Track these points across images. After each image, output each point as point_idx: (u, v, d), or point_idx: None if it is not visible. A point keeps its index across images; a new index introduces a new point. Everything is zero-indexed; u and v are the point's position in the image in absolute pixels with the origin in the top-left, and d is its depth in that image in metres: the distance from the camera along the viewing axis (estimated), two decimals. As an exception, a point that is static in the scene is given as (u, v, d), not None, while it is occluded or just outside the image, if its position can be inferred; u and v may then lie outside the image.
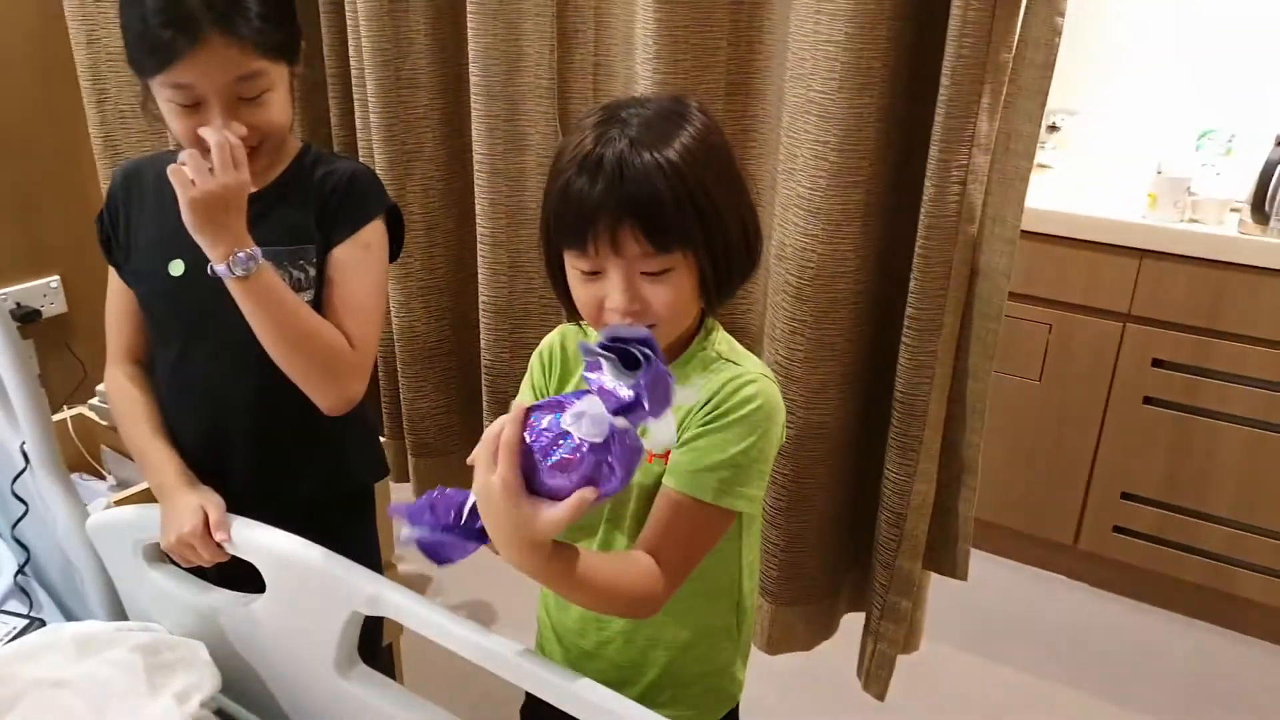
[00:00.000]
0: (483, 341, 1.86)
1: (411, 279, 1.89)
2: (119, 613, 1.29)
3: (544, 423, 0.78)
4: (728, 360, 1.03)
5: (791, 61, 1.37)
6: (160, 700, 1.08)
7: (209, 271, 1.11)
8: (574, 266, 0.96)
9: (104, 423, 1.81)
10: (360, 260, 1.23)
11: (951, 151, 1.26)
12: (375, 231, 1.25)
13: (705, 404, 0.98)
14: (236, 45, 1.09)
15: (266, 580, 1.13)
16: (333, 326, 1.19)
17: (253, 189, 1.17)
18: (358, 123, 1.86)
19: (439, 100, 1.80)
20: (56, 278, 2.23)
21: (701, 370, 1.02)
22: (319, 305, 1.22)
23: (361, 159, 1.85)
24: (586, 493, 0.76)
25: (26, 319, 2.15)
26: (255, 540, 1.12)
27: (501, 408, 1.85)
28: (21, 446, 1.25)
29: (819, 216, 1.36)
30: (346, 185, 1.25)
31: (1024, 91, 1.24)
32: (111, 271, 1.32)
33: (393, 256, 1.31)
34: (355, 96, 1.84)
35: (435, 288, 1.91)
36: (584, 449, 0.76)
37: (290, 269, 1.22)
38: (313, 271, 1.23)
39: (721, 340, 1.05)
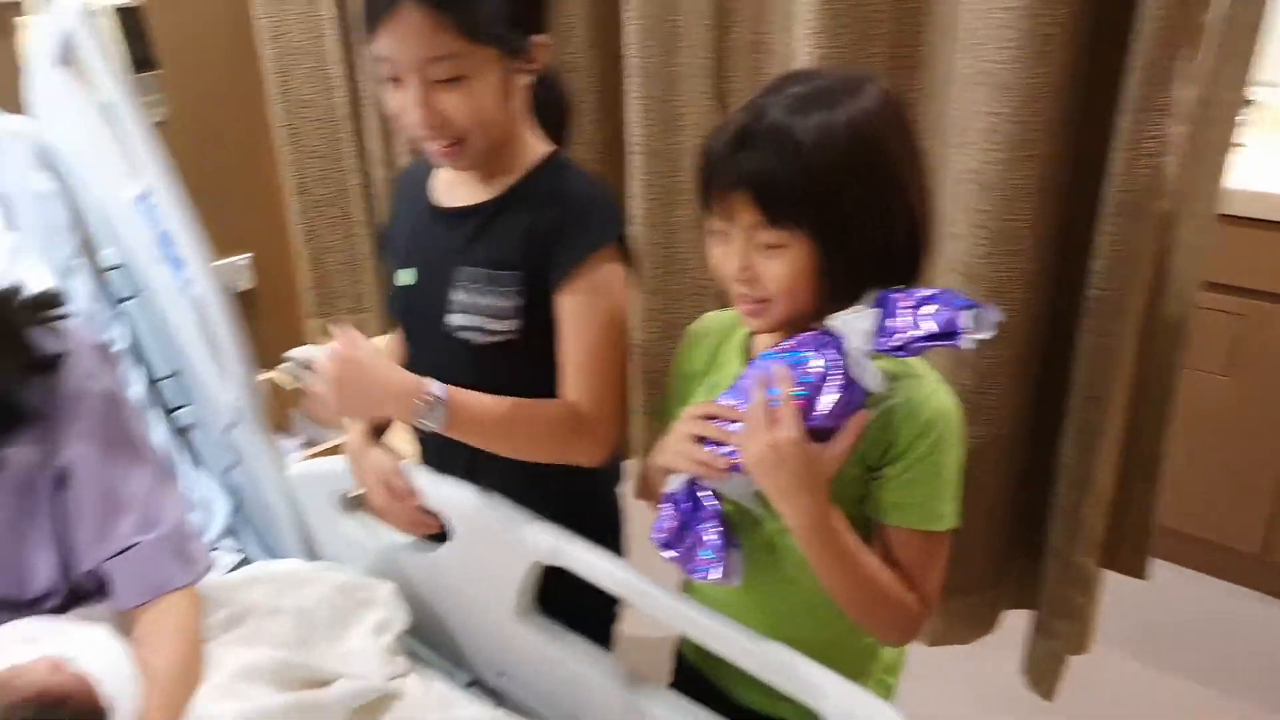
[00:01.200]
0: (635, 321, 1.88)
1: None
2: (313, 556, 1.39)
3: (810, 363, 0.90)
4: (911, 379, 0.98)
5: (962, 31, 1.31)
6: (358, 631, 1.17)
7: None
8: (705, 226, 0.98)
9: (289, 389, 1.95)
10: (588, 308, 1.08)
11: (1143, 121, 1.18)
12: (601, 269, 1.08)
13: (912, 433, 0.95)
14: (433, 20, 0.98)
15: (452, 530, 1.19)
16: (547, 404, 1.10)
17: (479, 198, 1.11)
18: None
19: (595, 84, 1.82)
20: (248, 255, 2.38)
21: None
22: (525, 336, 1.12)
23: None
24: (861, 416, 0.90)
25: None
26: (442, 492, 1.18)
27: (653, 387, 1.86)
28: (233, 401, 1.35)
29: (992, 192, 1.30)
30: (564, 212, 1.08)
31: (1226, 55, 1.15)
32: None
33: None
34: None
35: (591, 269, 1.94)
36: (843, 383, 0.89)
37: (488, 295, 1.11)
38: (518, 301, 1.10)
39: None
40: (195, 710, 0.98)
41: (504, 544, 1.13)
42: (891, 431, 0.95)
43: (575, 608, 1.14)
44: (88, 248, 1.54)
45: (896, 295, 0.89)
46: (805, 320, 0.97)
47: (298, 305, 2.41)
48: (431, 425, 1.03)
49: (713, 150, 0.93)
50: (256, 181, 2.34)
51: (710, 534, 0.95)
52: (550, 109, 1.16)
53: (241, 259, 2.38)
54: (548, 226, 1.08)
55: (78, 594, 1.08)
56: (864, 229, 0.92)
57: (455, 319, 1.13)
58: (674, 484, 0.99)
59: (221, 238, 2.29)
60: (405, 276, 1.18)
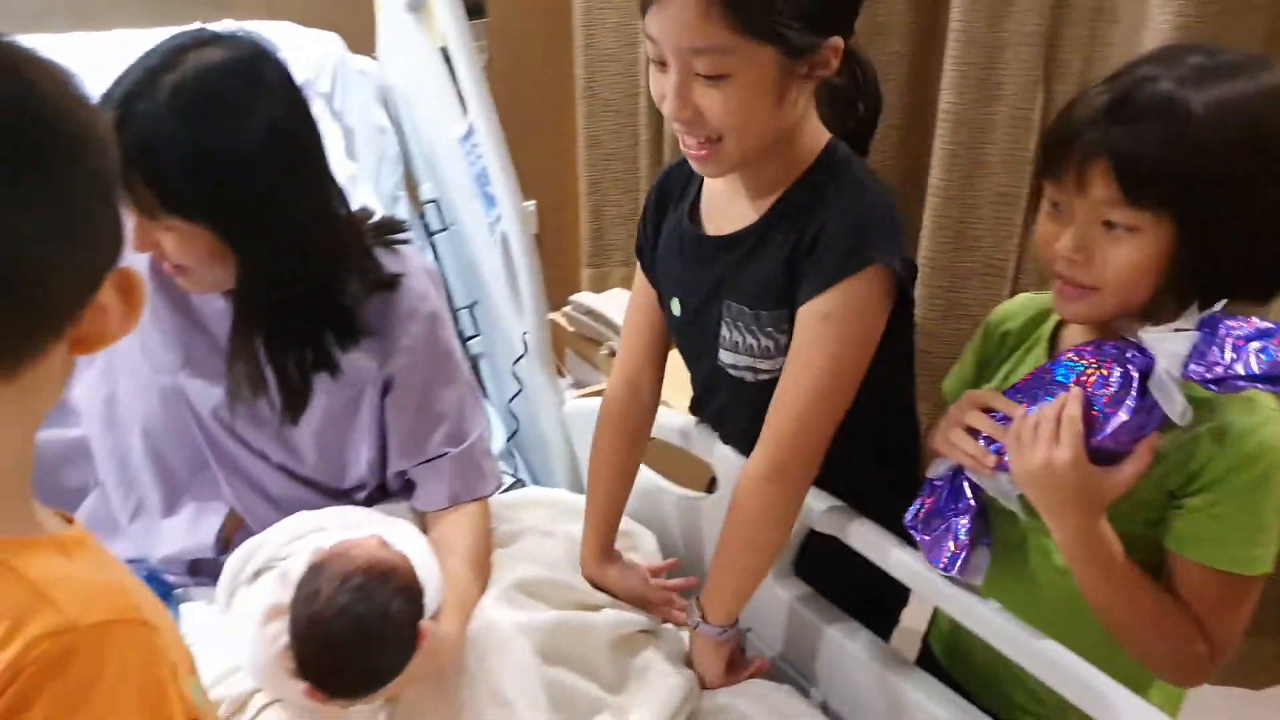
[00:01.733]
0: (915, 298, 1.81)
1: (853, 229, 1.88)
2: (579, 487, 1.44)
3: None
4: (1241, 403, 0.85)
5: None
6: None
7: None
8: (1046, 196, 0.90)
9: (570, 329, 2.04)
10: (813, 336, 0.95)
11: None
12: (845, 294, 0.93)
13: (1229, 464, 0.84)
14: (705, 6, 0.85)
15: (720, 481, 1.19)
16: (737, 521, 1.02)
17: (744, 222, 0.99)
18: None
19: (908, 46, 1.74)
20: (534, 203, 2.50)
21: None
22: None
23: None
24: (1153, 439, 0.82)
25: (507, 237, 2.45)
26: (715, 449, 1.18)
27: (927, 369, 1.78)
28: (523, 335, 1.43)
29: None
30: (825, 227, 0.94)
31: None
32: (639, 275, 1.16)
33: (896, 317, 0.98)
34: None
35: (875, 240, 1.88)
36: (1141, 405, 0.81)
37: (757, 335, 1.01)
38: (788, 339, 0.99)
39: None
40: (478, 613, 1.05)
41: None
42: (1200, 459, 0.85)
43: (849, 590, 1.11)
44: (410, 181, 1.68)
45: (1229, 321, 0.79)
46: (1129, 321, 0.87)
47: (575, 254, 2.50)
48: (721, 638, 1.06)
49: (1076, 115, 0.85)
50: (552, 131, 2.43)
51: (961, 527, 0.90)
52: (854, 115, 1.01)
53: (528, 205, 2.50)
54: (806, 245, 0.95)
55: (384, 489, 1.18)
56: (1237, 228, 0.81)
57: (725, 357, 1.05)
58: (938, 468, 0.94)
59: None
60: (674, 306, 1.09)
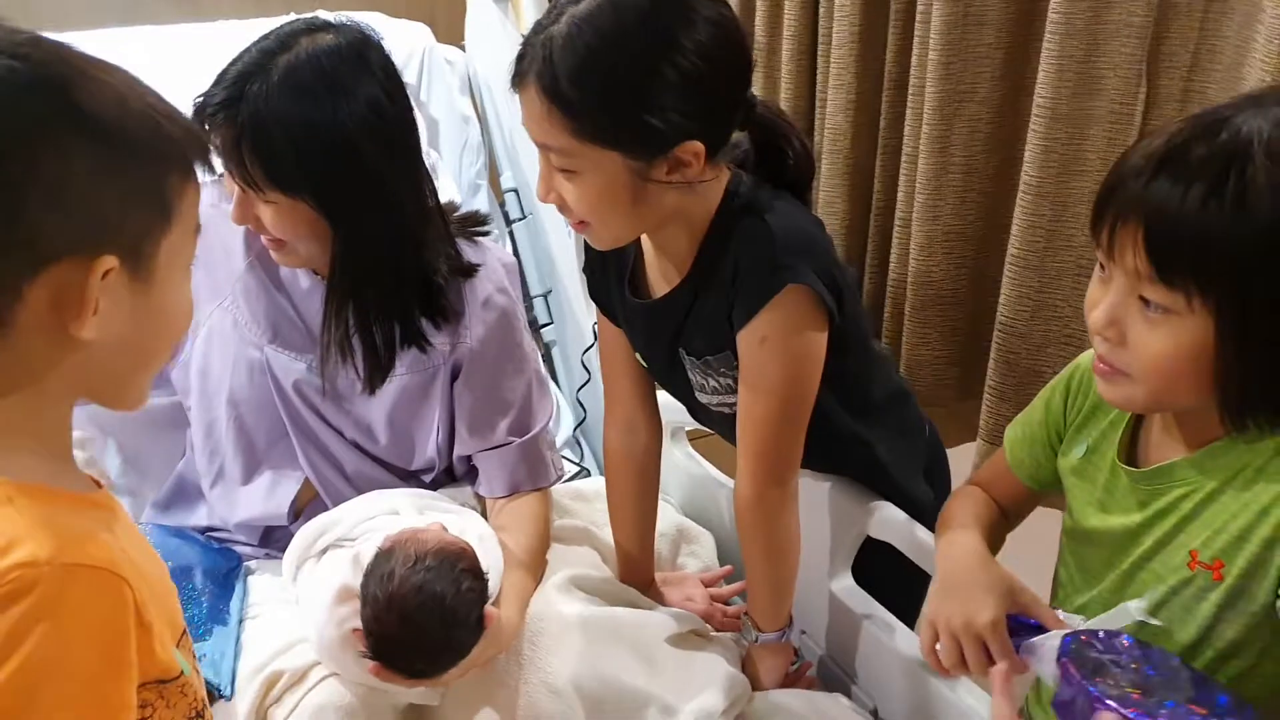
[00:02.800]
0: (1002, 297, 1.74)
1: (939, 223, 1.82)
2: None
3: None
4: None
5: None
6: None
7: None
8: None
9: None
10: (752, 359, 1.00)
11: None
12: (772, 316, 0.98)
13: None
14: (547, 108, 0.91)
15: None
16: (751, 531, 1.06)
17: (670, 283, 1.04)
18: (913, 59, 1.81)
19: (1005, 38, 1.68)
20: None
21: (1244, 478, 0.76)
22: None
23: (911, 96, 1.80)
24: None
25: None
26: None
27: (1009, 369, 1.73)
28: (593, 326, 1.44)
29: None
30: (739, 264, 0.99)
31: None
32: (603, 320, 1.20)
33: (833, 327, 1.02)
34: (916, 34, 1.79)
35: (961, 235, 1.83)
36: None
37: (718, 376, 1.07)
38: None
39: None
40: (536, 601, 1.07)
41: (832, 507, 1.14)
42: (1270, 524, 0.75)
43: (899, 590, 1.10)
44: (493, 169, 1.71)
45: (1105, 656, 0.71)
46: (1185, 409, 0.76)
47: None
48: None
49: (1129, 161, 0.74)
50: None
51: None
52: (785, 170, 1.02)
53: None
54: (729, 285, 1.00)
55: (451, 473, 1.21)
56: None
57: (701, 398, 1.11)
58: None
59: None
60: (641, 360, 1.14)
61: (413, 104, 1.56)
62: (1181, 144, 0.72)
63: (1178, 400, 0.77)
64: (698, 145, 0.92)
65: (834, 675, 1.16)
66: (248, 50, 1.02)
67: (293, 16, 1.10)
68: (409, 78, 1.61)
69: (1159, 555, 0.83)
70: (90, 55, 0.65)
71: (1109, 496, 0.87)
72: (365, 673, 0.95)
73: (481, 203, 1.66)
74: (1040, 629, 0.84)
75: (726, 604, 1.22)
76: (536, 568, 1.12)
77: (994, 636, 0.84)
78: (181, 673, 0.67)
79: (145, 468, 1.25)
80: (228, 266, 1.16)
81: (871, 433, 1.14)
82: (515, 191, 1.67)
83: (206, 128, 1.01)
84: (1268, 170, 0.68)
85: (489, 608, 0.98)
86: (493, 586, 1.01)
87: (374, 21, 1.60)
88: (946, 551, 0.94)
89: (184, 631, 0.71)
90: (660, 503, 1.40)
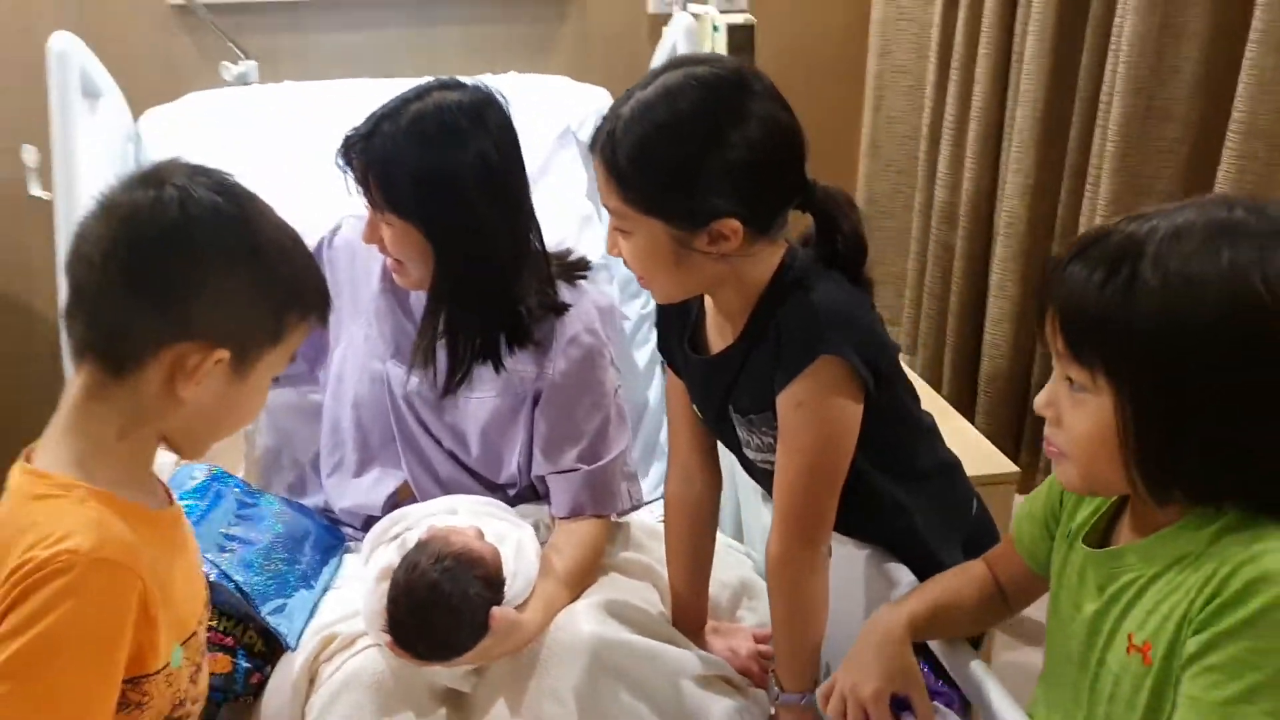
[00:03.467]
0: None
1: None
2: (739, 534, 1.54)
3: None
4: (1255, 529, 0.73)
5: None
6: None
7: None
8: None
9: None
10: (788, 422, 1.04)
11: None
12: (808, 383, 1.02)
13: (1200, 593, 0.73)
14: (605, 174, 1.01)
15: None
16: (784, 587, 1.09)
17: (725, 342, 1.10)
18: (1094, 148, 1.75)
19: (1189, 135, 1.60)
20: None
21: (1182, 564, 0.75)
22: None
23: (1089, 186, 1.74)
24: None
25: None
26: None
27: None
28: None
29: None
30: (782, 333, 1.04)
31: None
32: (670, 374, 1.25)
33: (870, 398, 1.04)
34: (1098, 123, 1.73)
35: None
36: None
37: (764, 434, 1.11)
38: None
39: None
40: (566, 616, 1.16)
41: (866, 574, 1.18)
42: (1186, 602, 0.73)
43: None
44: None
45: None
46: (1115, 489, 0.79)
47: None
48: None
49: (1052, 263, 0.78)
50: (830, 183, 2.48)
51: None
52: (836, 248, 1.07)
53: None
54: (773, 352, 1.05)
55: (535, 490, 1.33)
56: (1182, 418, 0.71)
57: (748, 453, 1.15)
58: None
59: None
60: (696, 412, 1.21)
61: (580, 158, 1.74)
62: (1097, 237, 0.76)
63: (1105, 478, 0.78)
64: (735, 224, 0.99)
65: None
66: (395, 98, 1.22)
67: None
68: (583, 135, 1.77)
69: (1110, 647, 0.82)
70: (265, 204, 0.89)
71: (1080, 583, 0.86)
72: (386, 645, 1.08)
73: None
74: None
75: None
76: (574, 585, 1.20)
77: (874, 707, 0.94)
78: (167, 665, 0.85)
79: (289, 445, 1.46)
80: (368, 289, 1.36)
81: (910, 500, 1.14)
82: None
83: (351, 155, 1.21)
84: (1154, 265, 0.71)
85: (497, 610, 1.07)
86: (519, 592, 1.11)
87: (559, 84, 1.82)
88: (872, 621, 1.00)
89: (193, 634, 0.90)
90: (739, 555, 1.44)
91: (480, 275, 1.24)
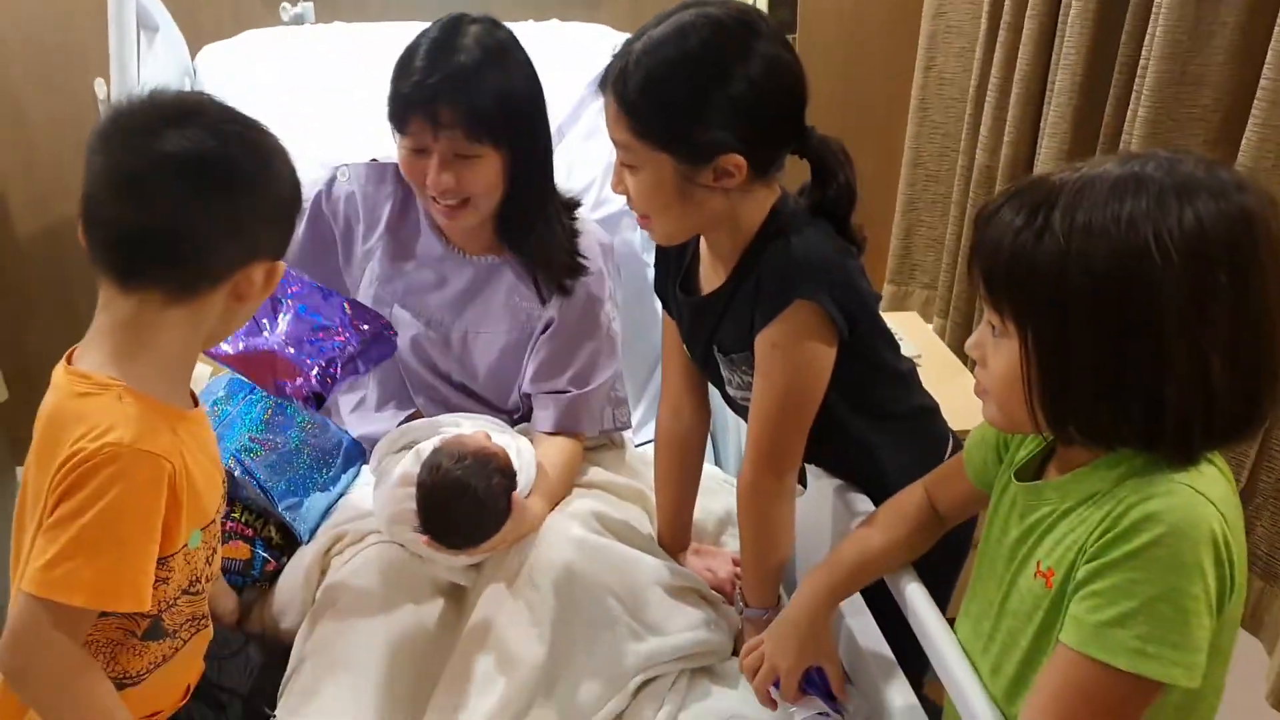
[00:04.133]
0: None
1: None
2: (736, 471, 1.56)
3: None
4: (1156, 473, 0.76)
5: None
6: None
7: None
8: None
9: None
10: (764, 361, 1.10)
11: None
12: (784, 326, 1.07)
13: (1098, 528, 0.77)
14: (616, 109, 1.06)
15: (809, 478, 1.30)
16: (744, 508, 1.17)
17: (715, 284, 1.15)
18: (1129, 114, 1.73)
19: (1224, 101, 1.57)
20: (848, 214, 2.57)
21: (1093, 501, 0.79)
22: None
23: (1100, 154, 1.73)
24: None
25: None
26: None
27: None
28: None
29: None
30: (763, 277, 1.10)
31: None
32: (666, 316, 1.32)
33: (844, 342, 1.10)
34: (1135, 87, 1.71)
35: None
36: None
37: (745, 373, 1.17)
38: None
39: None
40: (555, 518, 1.25)
41: (834, 505, 1.23)
42: (1085, 534, 0.78)
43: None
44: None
45: None
46: (1029, 429, 0.81)
47: (881, 270, 2.54)
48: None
49: (985, 206, 0.81)
50: (878, 145, 2.48)
51: None
52: (829, 192, 1.11)
53: (846, 215, 2.57)
54: (753, 295, 1.10)
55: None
56: (1089, 365, 0.74)
57: (729, 390, 1.21)
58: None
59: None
60: (688, 350, 1.26)
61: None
62: (1028, 184, 0.78)
63: (1019, 416, 0.80)
64: (739, 159, 1.04)
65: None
66: (439, 43, 1.23)
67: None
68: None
69: (1023, 571, 0.86)
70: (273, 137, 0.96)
71: (1010, 511, 0.90)
72: (416, 543, 1.18)
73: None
74: (829, 692, 1.04)
75: None
76: (561, 482, 1.30)
77: (786, 680, 1.04)
78: (187, 544, 0.95)
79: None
80: (364, 240, 1.41)
81: (878, 439, 1.19)
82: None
83: (435, 104, 1.22)
84: (1063, 214, 0.73)
85: (515, 495, 1.17)
86: (525, 485, 1.20)
87: (594, 33, 1.87)
88: (797, 595, 1.06)
89: (212, 520, 1.00)
90: (728, 487, 1.50)
91: (540, 206, 1.32)
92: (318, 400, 1.13)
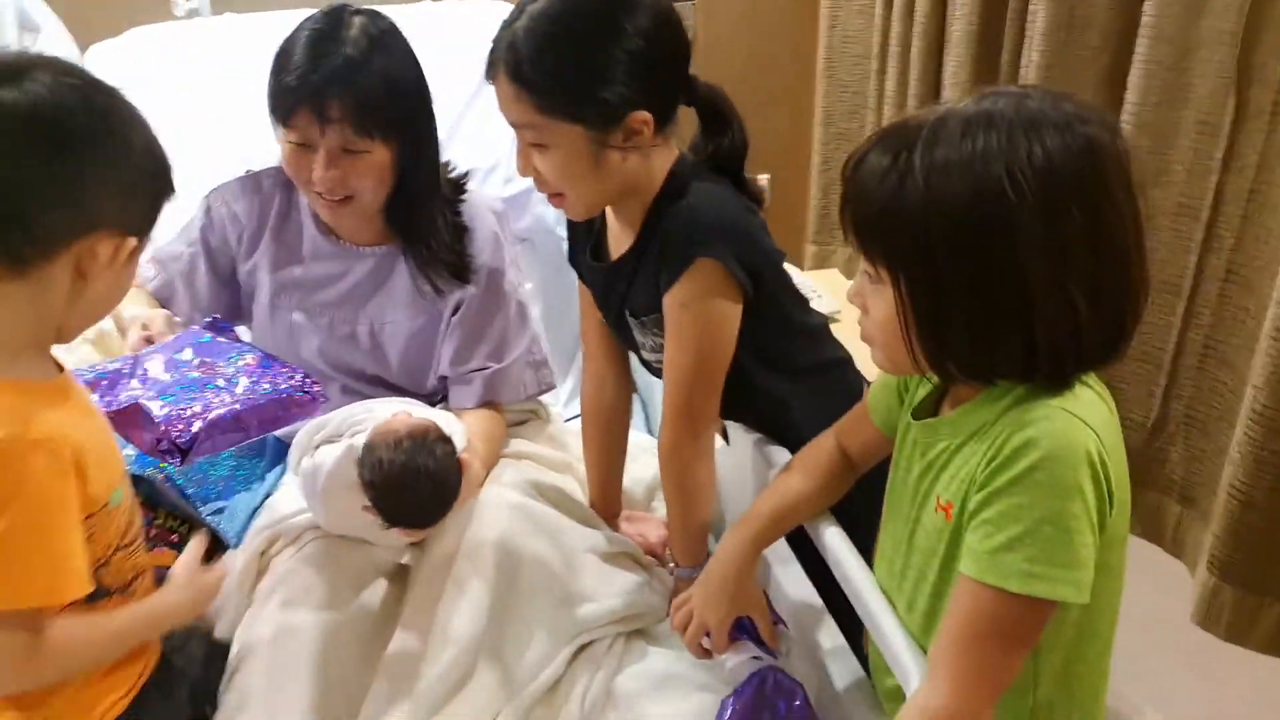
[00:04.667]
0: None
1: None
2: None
3: None
4: (1035, 400, 0.79)
5: None
6: None
7: None
8: None
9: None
10: (672, 322, 1.11)
11: None
12: (689, 285, 1.08)
13: (985, 459, 0.79)
14: (515, 90, 1.04)
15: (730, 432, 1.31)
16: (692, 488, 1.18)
17: (622, 248, 1.16)
18: (1022, 60, 1.77)
19: (1110, 44, 1.61)
20: (767, 176, 2.60)
21: (981, 433, 0.82)
22: None
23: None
24: None
25: (739, 208, 2.58)
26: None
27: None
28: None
29: None
30: (665, 237, 1.10)
31: None
32: (581, 285, 1.32)
33: (754, 297, 1.12)
34: (1027, 33, 1.75)
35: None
36: None
37: (656, 334, 1.17)
38: None
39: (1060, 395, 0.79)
40: (490, 489, 1.25)
41: (753, 457, 1.25)
42: (974, 465, 0.80)
43: None
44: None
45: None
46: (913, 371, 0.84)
47: (803, 230, 2.56)
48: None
49: (852, 155, 0.81)
50: (791, 106, 2.50)
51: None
52: (722, 145, 1.13)
53: (762, 178, 2.59)
54: (659, 255, 1.11)
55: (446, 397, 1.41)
56: (957, 302, 0.76)
57: (644, 355, 1.23)
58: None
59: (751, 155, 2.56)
60: (603, 317, 1.26)
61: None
62: (891, 129, 0.79)
63: (903, 361, 0.82)
64: (646, 114, 1.04)
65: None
66: (323, 34, 1.20)
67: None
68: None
69: (925, 507, 0.89)
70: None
71: (912, 450, 0.93)
72: (369, 529, 1.16)
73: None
74: (759, 638, 1.05)
75: None
76: (489, 449, 1.29)
77: (716, 632, 1.05)
78: (108, 503, 0.92)
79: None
80: (254, 242, 1.37)
81: (788, 390, 1.21)
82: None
83: (322, 98, 1.19)
84: (921, 155, 0.74)
85: (464, 456, 1.16)
86: (460, 443, 1.18)
87: (492, 9, 1.84)
88: (720, 549, 1.07)
89: (123, 475, 0.96)
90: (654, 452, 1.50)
91: (429, 196, 1.30)
92: (181, 453, 1.04)
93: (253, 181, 1.39)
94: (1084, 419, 0.77)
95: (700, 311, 1.09)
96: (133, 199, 0.89)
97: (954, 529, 0.84)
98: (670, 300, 1.10)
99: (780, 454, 1.19)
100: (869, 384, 1.30)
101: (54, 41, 1.64)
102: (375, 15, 1.26)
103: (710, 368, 1.12)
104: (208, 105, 1.68)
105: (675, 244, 1.09)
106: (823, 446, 1.09)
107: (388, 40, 1.24)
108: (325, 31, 1.22)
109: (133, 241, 0.89)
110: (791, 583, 1.19)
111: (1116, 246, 0.75)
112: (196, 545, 1.08)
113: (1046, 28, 1.64)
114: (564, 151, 1.05)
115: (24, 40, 1.53)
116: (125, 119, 0.88)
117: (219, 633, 1.19)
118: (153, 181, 0.91)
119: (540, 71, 1.02)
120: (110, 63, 1.70)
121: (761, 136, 2.54)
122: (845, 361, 1.28)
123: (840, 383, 1.26)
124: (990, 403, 0.82)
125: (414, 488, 1.13)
